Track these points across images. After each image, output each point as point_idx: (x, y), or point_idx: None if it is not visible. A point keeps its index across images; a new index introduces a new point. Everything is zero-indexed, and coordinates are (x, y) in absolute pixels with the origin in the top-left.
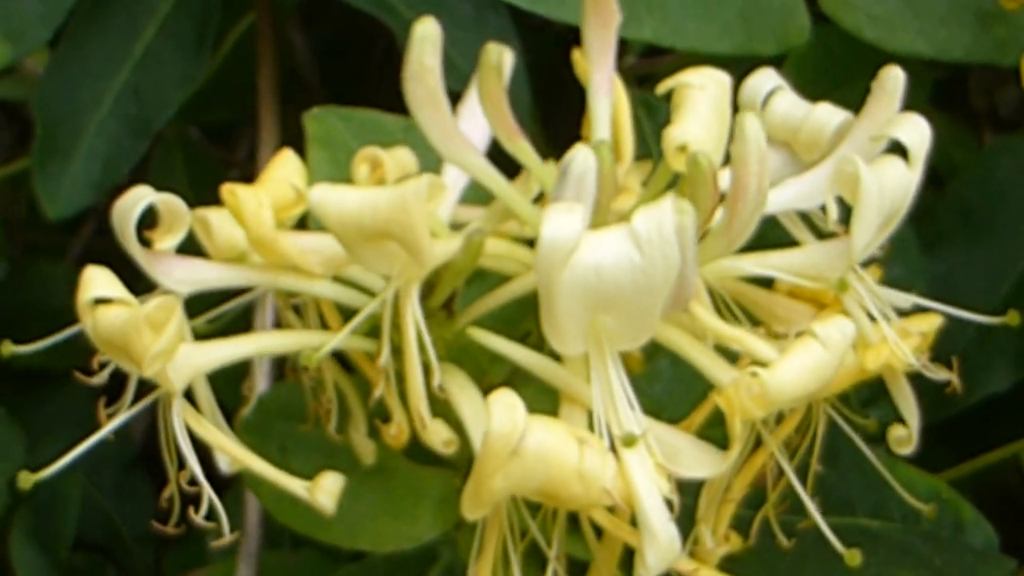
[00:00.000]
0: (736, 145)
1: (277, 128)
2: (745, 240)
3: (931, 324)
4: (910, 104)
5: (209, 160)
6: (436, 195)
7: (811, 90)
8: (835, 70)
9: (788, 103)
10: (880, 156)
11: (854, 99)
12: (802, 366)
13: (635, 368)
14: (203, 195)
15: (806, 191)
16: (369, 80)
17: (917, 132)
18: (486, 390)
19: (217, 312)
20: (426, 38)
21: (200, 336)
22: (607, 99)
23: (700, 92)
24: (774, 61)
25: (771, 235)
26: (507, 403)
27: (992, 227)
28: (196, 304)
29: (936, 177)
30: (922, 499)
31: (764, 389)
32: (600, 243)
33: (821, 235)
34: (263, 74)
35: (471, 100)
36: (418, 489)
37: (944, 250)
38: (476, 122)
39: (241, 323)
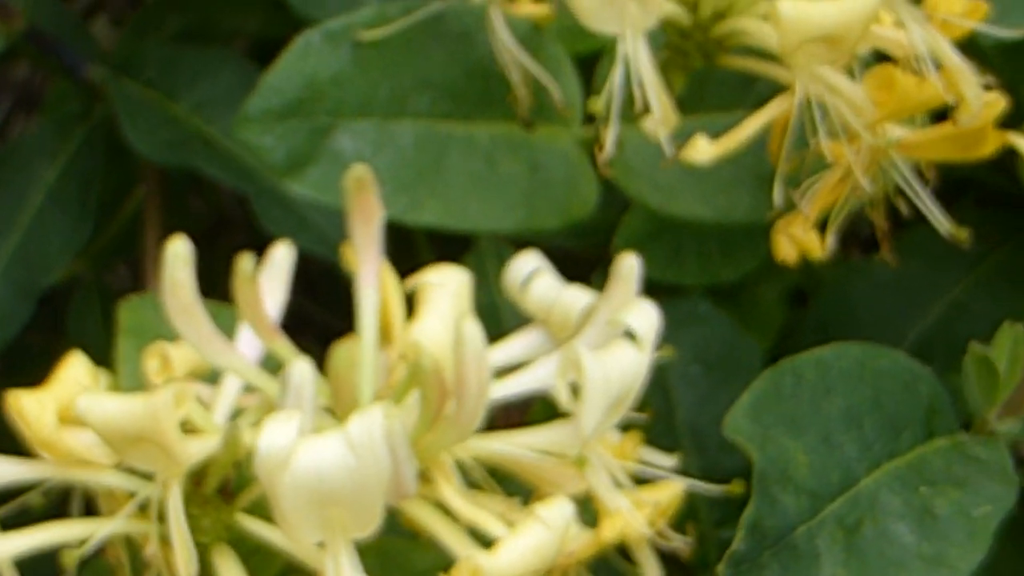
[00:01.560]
0: (456, 347)
1: None
2: (477, 426)
3: (670, 493)
4: None
5: None
6: (183, 402)
7: None
8: None
9: (545, 285)
10: (614, 340)
11: None
12: (523, 548)
13: None
14: None
15: (549, 373)
16: None
17: (646, 318)
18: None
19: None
20: (177, 255)
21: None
22: (373, 290)
23: (440, 289)
24: None
25: None
26: None
27: None
28: None
29: (802, 295)
30: None
31: (482, 573)
32: (317, 448)
33: None
34: (149, 237)
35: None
36: None
37: None
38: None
39: None
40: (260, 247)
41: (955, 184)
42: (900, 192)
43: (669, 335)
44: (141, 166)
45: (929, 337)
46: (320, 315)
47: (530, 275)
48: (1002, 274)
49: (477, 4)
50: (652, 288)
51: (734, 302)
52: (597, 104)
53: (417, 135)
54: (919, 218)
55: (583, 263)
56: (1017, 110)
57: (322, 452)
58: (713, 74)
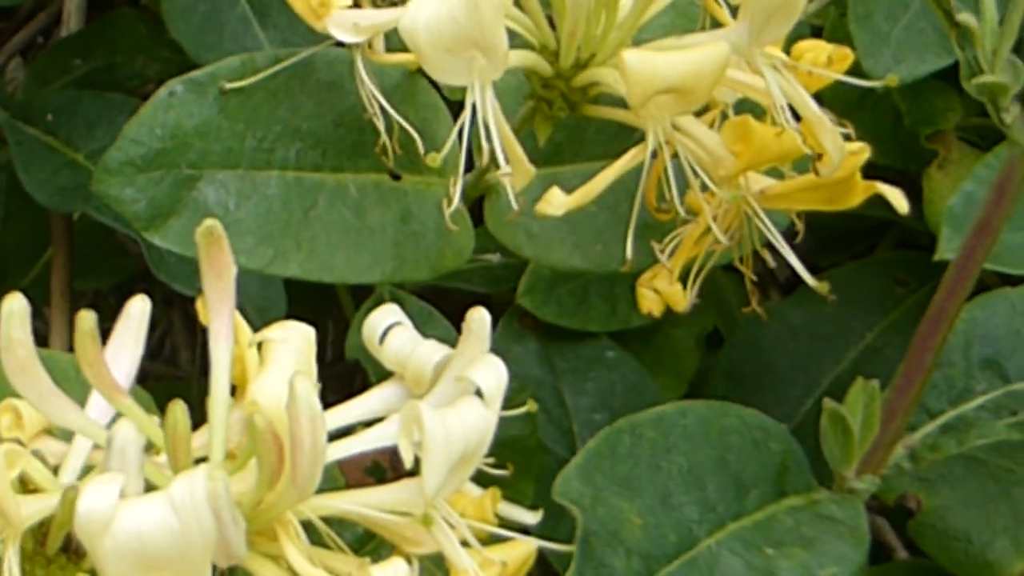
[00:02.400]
0: (288, 405)
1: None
2: (316, 484)
3: (520, 553)
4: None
5: None
6: (17, 461)
7: None
8: None
9: (401, 339)
10: (462, 396)
11: None
12: None
13: None
14: None
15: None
16: None
17: (492, 375)
18: None
19: None
20: (13, 313)
21: None
22: (225, 345)
23: (283, 346)
24: None
25: None
26: None
27: (759, 391)
28: None
29: (718, 337)
30: None
31: None
32: (138, 511)
33: None
34: (55, 288)
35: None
36: None
37: None
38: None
39: None
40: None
41: (874, 228)
42: (767, 244)
43: (575, 381)
44: (50, 214)
45: (843, 382)
46: None
47: (387, 329)
48: (917, 318)
49: (346, 52)
50: (559, 332)
51: (647, 346)
52: (436, 160)
53: (284, 186)
54: (832, 263)
55: (498, 309)
56: (921, 151)
57: (143, 515)
58: (592, 123)
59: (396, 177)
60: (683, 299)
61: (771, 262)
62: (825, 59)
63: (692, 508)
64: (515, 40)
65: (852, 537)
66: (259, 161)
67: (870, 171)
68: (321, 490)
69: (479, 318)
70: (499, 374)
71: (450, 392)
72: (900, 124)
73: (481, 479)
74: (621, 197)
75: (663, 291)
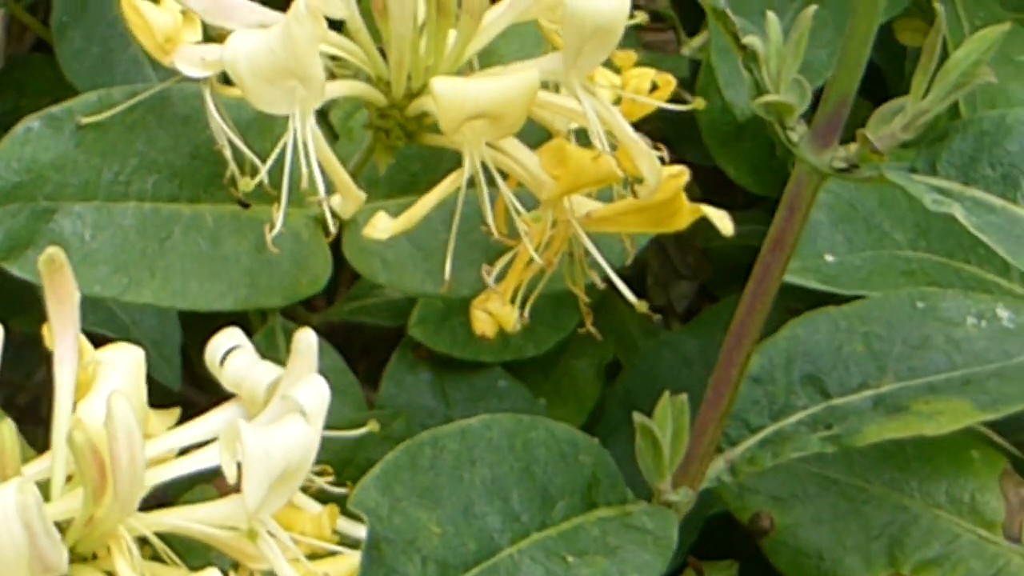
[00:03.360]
0: (106, 424)
1: None
2: (138, 499)
3: (344, 567)
4: (601, 296)
5: None
6: None
7: None
8: None
9: (240, 361)
10: (286, 415)
11: None
12: None
13: None
14: None
15: None
16: None
17: (314, 393)
18: None
19: None
20: None
21: None
22: (69, 370)
23: (110, 367)
24: None
25: None
26: None
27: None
28: None
29: (619, 366)
30: None
31: None
32: None
33: None
34: None
35: None
36: None
37: (613, 444)
38: None
39: None
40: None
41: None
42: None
43: (466, 410)
44: None
45: None
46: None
47: (228, 351)
48: None
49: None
50: (453, 363)
51: (546, 376)
52: (249, 185)
53: (140, 217)
54: (727, 291)
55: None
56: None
57: None
58: (447, 152)
59: (245, 206)
60: (514, 320)
61: (599, 284)
62: (648, 85)
63: (495, 518)
64: (351, 70)
65: (657, 546)
66: (116, 193)
67: (751, 201)
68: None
69: (306, 339)
70: (321, 393)
71: (279, 411)
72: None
73: (324, 498)
74: (473, 224)
75: (495, 313)
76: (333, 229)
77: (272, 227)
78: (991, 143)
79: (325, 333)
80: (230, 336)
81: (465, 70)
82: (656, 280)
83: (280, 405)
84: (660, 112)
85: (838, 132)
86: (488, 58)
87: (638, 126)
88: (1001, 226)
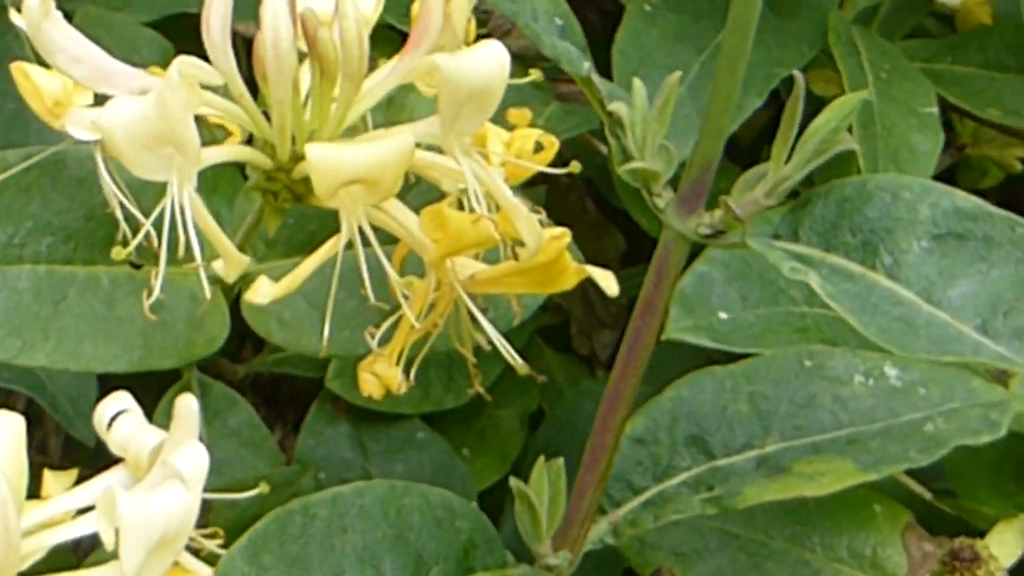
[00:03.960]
0: None
1: None
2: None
3: None
4: (524, 344)
5: None
6: None
7: None
8: None
9: (127, 425)
10: (166, 480)
11: None
12: None
13: None
14: None
15: None
16: None
17: (193, 459)
18: None
19: None
20: None
21: None
22: None
23: None
24: None
25: None
26: None
27: (573, 470)
28: None
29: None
30: None
31: None
32: None
33: None
34: None
35: None
36: None
37: None
38: None
39: None
40: None
41: None
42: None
43: (384, 462)
44: None
45: None
46: None
47: (115, 416)
48: None
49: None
50: (372, 415)
51: (469, 427)
52: (120, 254)
53: (35, 279)
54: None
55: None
56: None
57: None
58: None
59: (136, 267)
60: (399, 382)
61: (485, 345)
62: (532, 146)
63: None
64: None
65: None
66: (10, 256)
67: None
68: None
69: (187, 405)
70: (200, 459)
71: (159, 477)
72: None
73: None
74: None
75: (382, 375)
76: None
77: (150, 294)
78: (852, 209)
79: (252, 384)
80: (118, 400)
81: (360, 129)
82: (580, 329)
83: (160, 471)
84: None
85: (703, 198)
86: (398, 113)
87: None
88: (857, 295)
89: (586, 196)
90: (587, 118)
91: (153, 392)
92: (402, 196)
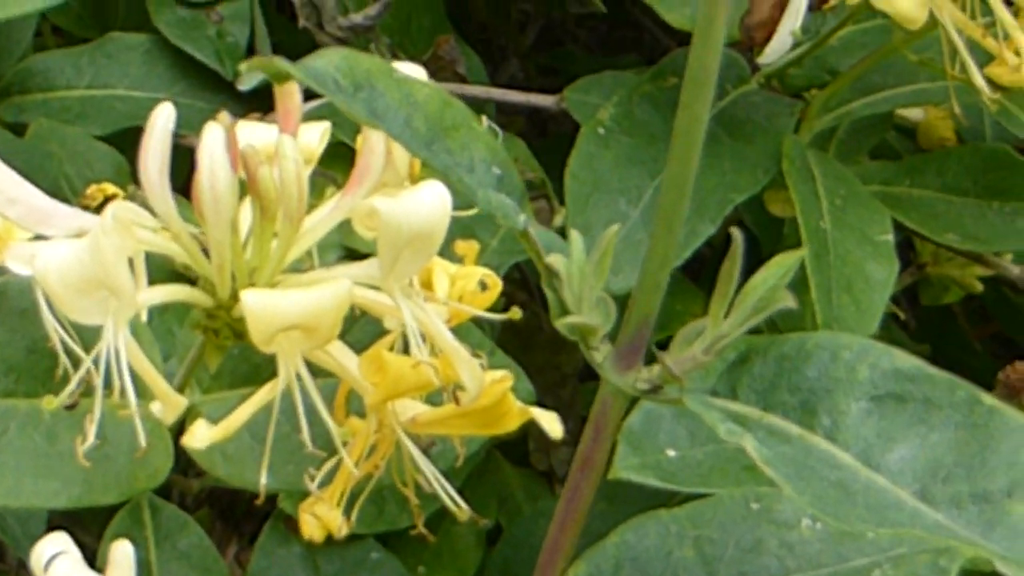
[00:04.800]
0: None
1: None
2: None
3: None
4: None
5: None
6: None
7: None
8: None
9: (66, 568)
10: None
11: None
12: None
13: None
14: None
15: None
16: None
17: None
18: None
19: None
20: None
21: None
22: None
23: None
24: None
25: None
26: None
27: None
28: None
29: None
30: None
31: None
32: None
33: None
34: None
35: None
36: None
37: None
38: None
39: None
40: None
41: None
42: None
43: None
44: None
45: None
46: None
47: (52, 557)
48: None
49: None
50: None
51: (424, 544)
52: (52, 402)
53: None
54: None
55: None
56: None
57: None
58: None
59: (71, 407)
60: (338, 525)
61: (426, 486)
62: (475, 286)
63: None
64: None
65: None
66: None
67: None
68: None
69: (122, 550)
70: None
71: None
72: None
73: None
74: (312, 417)
75: (322, 517)
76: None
77: (84, 439)
78: (791, 368)
79: (208, 498)
80: (55, 542)
81: (305, 264)
82: (537, 445)
83: None
84: None
85: (641, 353)
86: (350, 236)
87: None
88: (794, 458)
89: (543, 311)
90: None
91: (104, 511)
92: (347, 330)
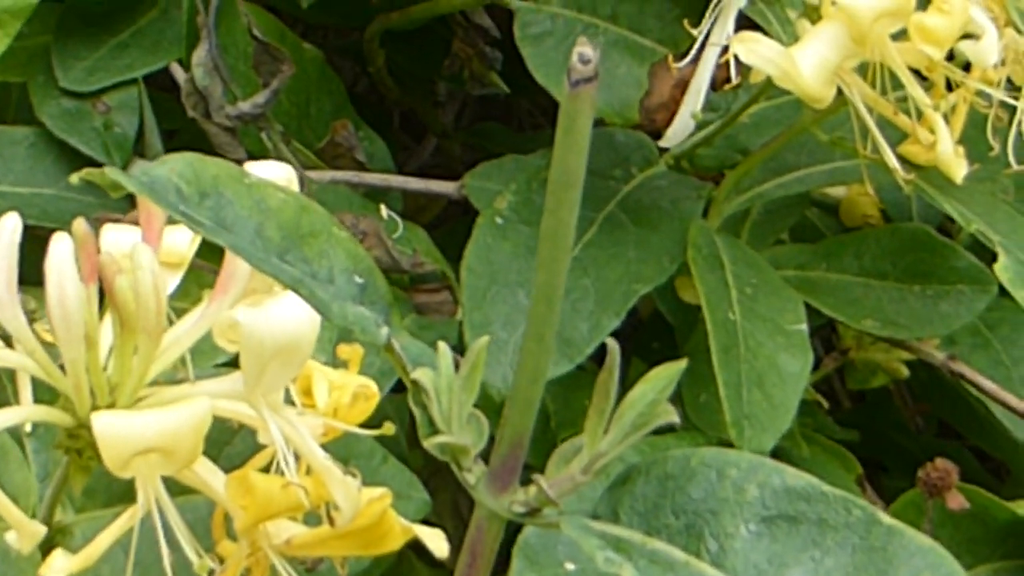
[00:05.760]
0: None
1: None
2: None
3: None
4: (397, 563)
5: None
6: None
7: None
8: None
9: None
10: None
11: None
12: None
13: None
14: None
15: None
16: None
17: None
18: None
19: None
20: None
21: None
22: None
23: None
24: None
25: None
26: None
27: None
28: None
29: None
30: None
31: None
32: None
33: None
34: None
35: None
36: None
37: None
38: None
39: None
40: None
41: None
42: None
43: None
44: None
45: None
46: None
47: None
48: None
49: None
50: None
51: None
52: None
53: None
54: None
55: None
56: None
57: None
58: None
59: None
60: None
61: None
62: (349, 397)
63: None
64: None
65: None
66: None
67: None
68: None
69: None
70: None
71: None
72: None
73: None
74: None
75: None
76: None
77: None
78: (675, 488)
79: None
80: None
81: (178, 371)
82: (451, 543)
83: None
84: None
85: (516, 474)
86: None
87: None
88: None
89: None
90: (447, 330)
91: None
92: (228, 441)
